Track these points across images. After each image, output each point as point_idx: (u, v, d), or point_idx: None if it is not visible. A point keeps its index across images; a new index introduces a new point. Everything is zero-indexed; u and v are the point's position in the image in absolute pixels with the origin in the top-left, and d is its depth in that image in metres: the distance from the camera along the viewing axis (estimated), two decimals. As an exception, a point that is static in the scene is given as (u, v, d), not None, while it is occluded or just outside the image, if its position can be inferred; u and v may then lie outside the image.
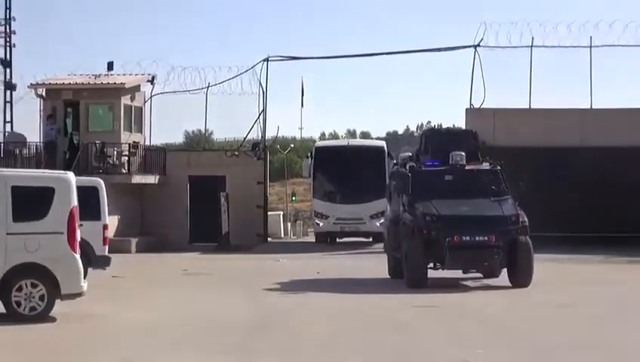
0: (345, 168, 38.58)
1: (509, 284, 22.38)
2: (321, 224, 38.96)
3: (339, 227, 38.38)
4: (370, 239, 39.06)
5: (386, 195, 26.96)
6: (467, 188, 23.31)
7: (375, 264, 28.75)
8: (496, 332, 15.74)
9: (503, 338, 15.18)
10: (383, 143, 42.01)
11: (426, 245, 22.02)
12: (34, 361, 12.93)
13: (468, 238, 21.90)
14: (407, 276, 22.41)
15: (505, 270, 22.56)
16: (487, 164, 24.41)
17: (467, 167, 23.68)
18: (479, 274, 23.69)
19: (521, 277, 22.23)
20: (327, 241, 39.67)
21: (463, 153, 23.59)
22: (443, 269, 22.61)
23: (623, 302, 20.20)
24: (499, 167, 24.14)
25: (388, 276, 25.04)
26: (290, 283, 24.08)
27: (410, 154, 26.07)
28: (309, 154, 41.26)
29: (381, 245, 34.72)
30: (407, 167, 24.00)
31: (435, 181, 23.31)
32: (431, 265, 22.40)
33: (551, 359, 13.35)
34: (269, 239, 42.14)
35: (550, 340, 14.78)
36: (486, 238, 21.92)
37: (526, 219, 22.63)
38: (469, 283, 23.61)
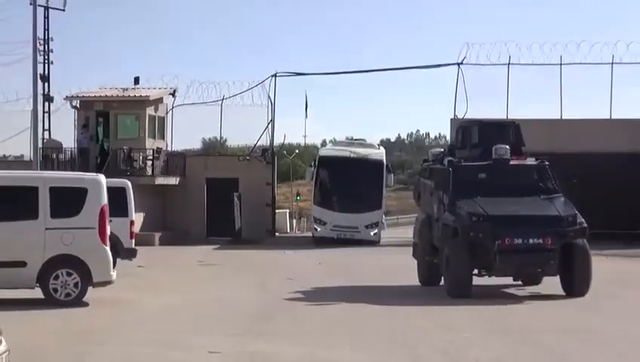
0: (345, 178, 36.51)
1: (561, 293, 18.50)
2: (319, 229, 36.85)
3: (335, 234, 36.03)
4: (369, 249, 35.55)
5: (413, 196, 23.08)
6: (513, 185, 19.25)
7: (372, 259, 28.81)
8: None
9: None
10: (382, 156, 38.47)
11: (471, 249, 18.05)
12: (69, 341, 12.94)
13: (520, 241, 17.89)
14: (448, 284, 18.43)
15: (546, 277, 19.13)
16: (533, 158, 20.23)
17: (512, 162, 19.47)
18: (514, 281, 19.81)
19: (577, 286, 18.31)
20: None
21: (507, 146, 19.43)
22: (490, 276, 18.69)
23: None
24: (546, 163, 20.22)
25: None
26: (294, 272, 24.06)
27: (442, 149, 22.06)
28: (312, 162, 39.43)
29: (373, 247, 34.64)
30: (446, 162, 19.89)
31: (478, 177, 19.25)
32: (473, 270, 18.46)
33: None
34: (276, 234, 42.10)
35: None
36: (541, 241, 17.90)
37: (584, 220, 18.54)
38: (511, 290, 19.86)
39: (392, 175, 39.51)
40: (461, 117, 39.70)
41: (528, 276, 19.41)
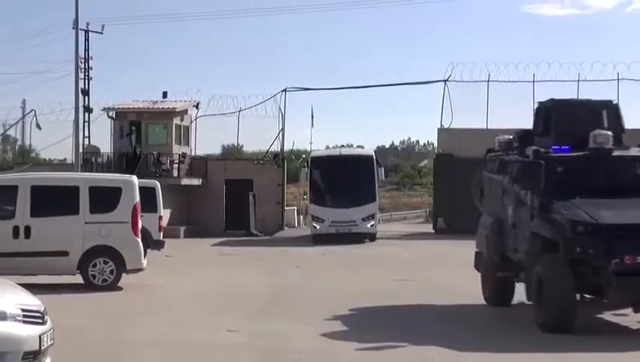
0: (338, 175, 33.56)
1: None
2: (318, 227, 33.33)
3: (334, 229, 32.75)
4: (368, 239, 33.22)
5: (472, 193, 16.29)
6: (617, 182, 13.00)
7: (371, 250, 28.76)
8: None
9: None
10: (371, 152, 36.79)
11: (574, 268, 11.86)
12: (106, 321, 12.93)
13: None
14: (545, 314, 11.92)
15: None
16: (638, 148, 13.56)
17: (614, 153, 13.11)
18: (635, 311, 12.55)
19: None
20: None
21: (610, 133, 13.13)
22: (589, 301, 12.64)
23: None
24: None
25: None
26: (301, 262, 24.05)
27: (511, 136, 14.89)
28: (305, 164, 36.72)
29: (368, 242, 32.40)
30: (531, 152, 13.17)
31: (576, 172, 12.82)
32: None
33: None
34: (285, 228, 42.05)
35: None
36: None
37: None
38: (612, 318, 13.35)
39: (383, 168, 36.42)
40: (447, 126, 39.87)
41: None
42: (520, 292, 13.63)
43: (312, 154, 37.51)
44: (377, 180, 34.22)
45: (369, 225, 33.06)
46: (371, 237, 33.15)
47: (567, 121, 13.79)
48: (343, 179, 33.30)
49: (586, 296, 12.46)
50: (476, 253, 15.69)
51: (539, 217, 12.61)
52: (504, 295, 14.55)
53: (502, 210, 14.23)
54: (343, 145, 37.72)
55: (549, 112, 14.06)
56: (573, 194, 12.41)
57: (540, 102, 14.75)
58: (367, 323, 12.90)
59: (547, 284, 11.89)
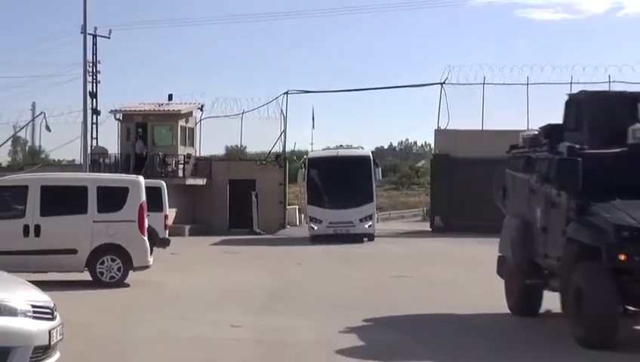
0: (335, 176, 32.15)
1: None
2: (315, 228, 31.94)
3: (332, 230, 31.34)
4: (366, 239, 31.75)
5: (494, 193, 14.56)
6: None
7: (369, 248, 28.71)
8: None
9: None
10: (368, 152, 34.64)
11: (617, 277, 10.43)
12: (113, 316, 12.93)
13: None
14: (586, 327, 10.40)
15: None
16: None
17: None
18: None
19: None
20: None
21: None
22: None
23: None
24: None
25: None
26: (302, 259, 24.04)
27: (537, 131, 13.20)
28: (302, 165, 34.71)
29: (367, 242, 31.21)
30: (565, 149, 11.72)
31: (615, 171, 11.43)
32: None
33: None
34: (287, 226, 42.03)
35: None
36: None
37: None
38: None
39: (380, 169, 34.53)
40: (444, 127, 39.84)
41: None
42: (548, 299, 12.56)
43: (310, 154, 35.87)
44: (375, 181, 33.11)
45: (367, 226, 31.80)
46: (369, 237, 32.00)
47: (601, 114, 12.25)
48: (340, 179, 32.05)
49: (630, 307, 11.04)
50: (499, 257, 13.98)
51: (576, 221, 11.10)
52: (531, 304, 12.97)
53: (529, 212, 12.74)
54: (341, 146, 36.12)
55: (581, 105, 12.53)
56: (612, 195, 10.97)
57: (570, 95, 13.27)
58: (367, 318, 12.88)
59: (587, 296, 10.39)
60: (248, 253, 26.96)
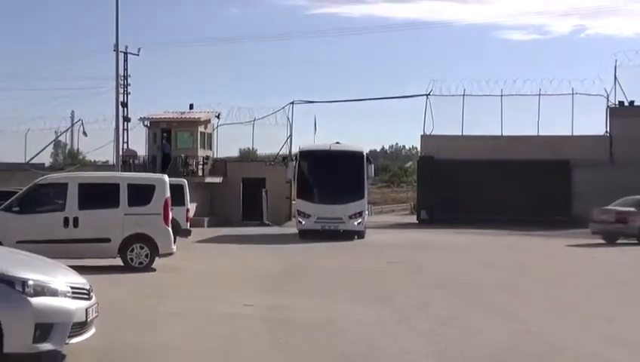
0: (326, 171, 27.97)
1: None
2: (303, 222, 27.64)
3: (319, 226, 27.15)
4: (356, 237, 27.43)
5: None
6: None
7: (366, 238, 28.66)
8: None
9: None
10: (362, 148, 29.62)
11: None
12: (142, 296, 12.92)
13: None
14: None
15: None
16: None
17: None
18: None
19: None
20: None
21: None
22: None
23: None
24: None
25: None
26: (306, 247, 23.99)
27: None
28: (293, 158, 30.08)
29: (356, 240, 26.54)
30: None
31: None
32: None
33: None
34: (293, 218, 41.95)
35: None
36: None
37: None
38: None
39: (373, 166, 30.08)
40: (429, 133, 39.96)
41: None
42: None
43: (301, 148, 30.72)
44: (367, 178, 28.72)
45: (356, 223, 27.28)
46: (359, 235, 27.51)
47: None
48: (331, 174, 27.90)
49: None
50: None
51: None
52: None
53: None
54: (337, 142, 31.27)
55: None
56: None
57: None
58: (364, 297, 12.86)
59: None
60: (259, 240, 26.70)
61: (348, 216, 27.19)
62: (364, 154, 28.84)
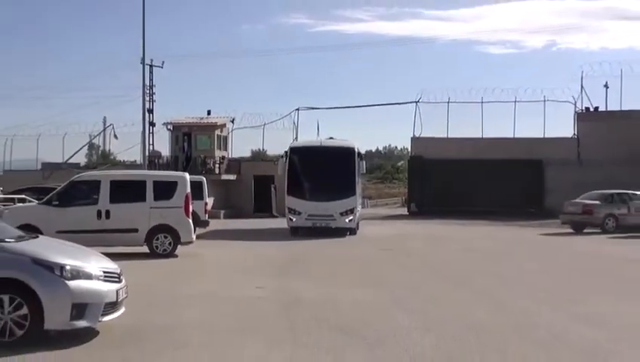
0: (317, 167, 24.35)
1: None
2: (294, 219, 24.12)
3: (310, 223, 23.80)
4: (348, 233, 24.02)
5: None
6: None
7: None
8: None
9: None
10: (353, 144, 25.32)
11: None
12: (166, 279, 12.94)
13: None
14: None
15: None
16: None
17: None
18: None
19: None
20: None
21: None
22: None
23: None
24: None
25: None
26: (308, 238, 23.93)
27: None
28: (283, 154, 25.62)
29: (348, 236, 23.58)
30: None
31: None
32: None
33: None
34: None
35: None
36: None
37: None
38: None
39: (364, 162, 26.55)
40: (418, 135, 40.00)
41: None
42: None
43: (292, 144, 27.31)
44: (358, 174, 25.00)
45: (347, 220, 23.83)
46: (351, 231, 24.15)
47: None
48: (322, 171, 24.24)
49: None
50: None
51: None
52: None
53: None
54: (331, 137, 27.38)
55: None
56: None
57: None
58: (361, 280, 12.85)
59: None
60: (268, 231, 26.68)
61: (339, 213, 23.80)
62: (356, 149, 24.95)
